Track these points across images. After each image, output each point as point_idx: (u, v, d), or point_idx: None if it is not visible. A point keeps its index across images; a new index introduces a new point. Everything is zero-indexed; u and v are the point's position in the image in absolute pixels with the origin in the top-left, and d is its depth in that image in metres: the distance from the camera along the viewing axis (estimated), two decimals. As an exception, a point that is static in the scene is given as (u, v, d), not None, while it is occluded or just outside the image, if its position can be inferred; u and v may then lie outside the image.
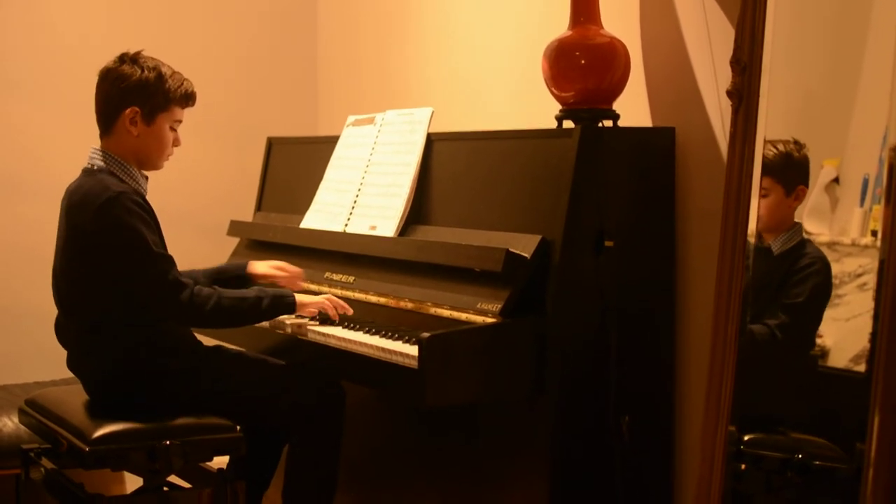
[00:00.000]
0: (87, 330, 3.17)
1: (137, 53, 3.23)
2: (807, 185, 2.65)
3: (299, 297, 3.28)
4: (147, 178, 3.27)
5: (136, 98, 3.19)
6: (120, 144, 3.21)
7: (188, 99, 3.28)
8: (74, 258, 3.15)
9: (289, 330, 3.35)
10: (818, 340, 2.61)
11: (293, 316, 3.35)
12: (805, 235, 2.65)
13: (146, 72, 3.20)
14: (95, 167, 3.20)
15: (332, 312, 3.31)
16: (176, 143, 3.29)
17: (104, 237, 3.07)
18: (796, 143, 2.67)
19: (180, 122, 3.29)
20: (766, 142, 2.68)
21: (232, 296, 3.17)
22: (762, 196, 2.70)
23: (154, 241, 3.09)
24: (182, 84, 3.25)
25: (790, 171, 2.68)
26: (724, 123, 2.97)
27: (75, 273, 3.16)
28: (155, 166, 3.28)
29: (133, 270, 3.07)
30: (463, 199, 3.28)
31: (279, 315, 3.27)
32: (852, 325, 2.48)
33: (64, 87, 4.52)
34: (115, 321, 3.13)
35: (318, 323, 3.34)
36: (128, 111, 3.19)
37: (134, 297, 3.10)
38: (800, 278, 2.66)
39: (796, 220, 2.67)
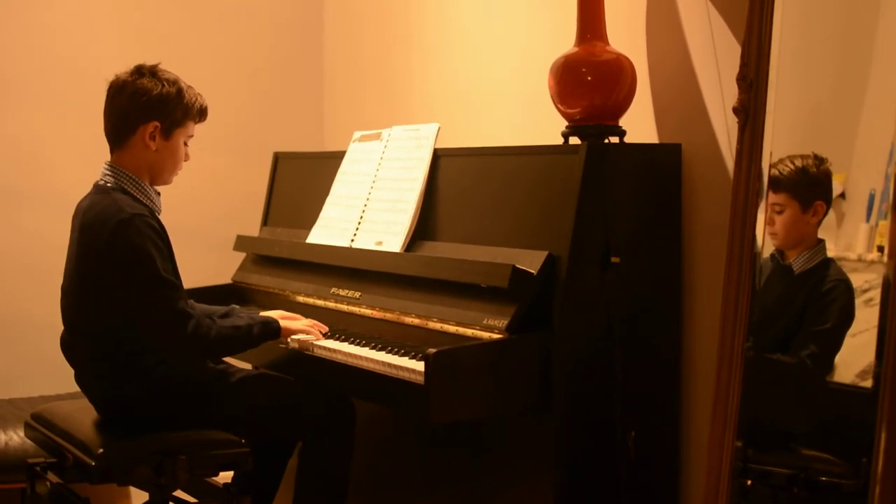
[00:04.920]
0: (95, 351, 3.16)
1: (155, 67, 3.22)
2: (826, 201, 2.62)
3: (284, 324, 3.28)
4: (159, 193, 3.27)
5: (158, 113, 3.18)
6: (134, 159, 3.20)
7: (202, 114, 3.29)
8: (85, 278, 3.14)
9: (294, 345, 3.35)
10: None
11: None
12: (830, 255, 2.62)
13: (167, 86, 3.19)
14: (109, 185, 3.18)
15: (316, 336, 3.33)
16: (186, 157, 3.29)
17: (115, 260, 3.05)
18: (816, 157, 2.64)
19: (192, 136, 3.29)
20: (786, 157, 2.68)
21: (228, 325, 3.16)
22: (777, 212, 2.70)
23: (164, 266, 3.07)
24: (197, 99, 3.25)
25: (806, 186, 2.66)
26: (731, 140, 2.98)
27: (85, 294, 3.15)
28: (166, 181, 3.28)
29: (140, 297, 3.05)
30: (469, 215, 3.28)
31: (266, 341, 3.27)
32: (858, 341, 2.49)
33: (68, 98, 4.54)
34: (123, 344, 3.12)
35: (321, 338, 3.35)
36: (149, 126, 3.18)
37: (139, 325, 3.09)
38: (825, 303, 2.63)
39: (821, 238, 2.65)
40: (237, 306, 3.54)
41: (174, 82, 3.22)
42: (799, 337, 2.66)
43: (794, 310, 2.70)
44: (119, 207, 3.09)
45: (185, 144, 3.28)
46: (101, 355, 3.15)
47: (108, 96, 3.23)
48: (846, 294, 2.55)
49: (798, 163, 2.66)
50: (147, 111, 3.18)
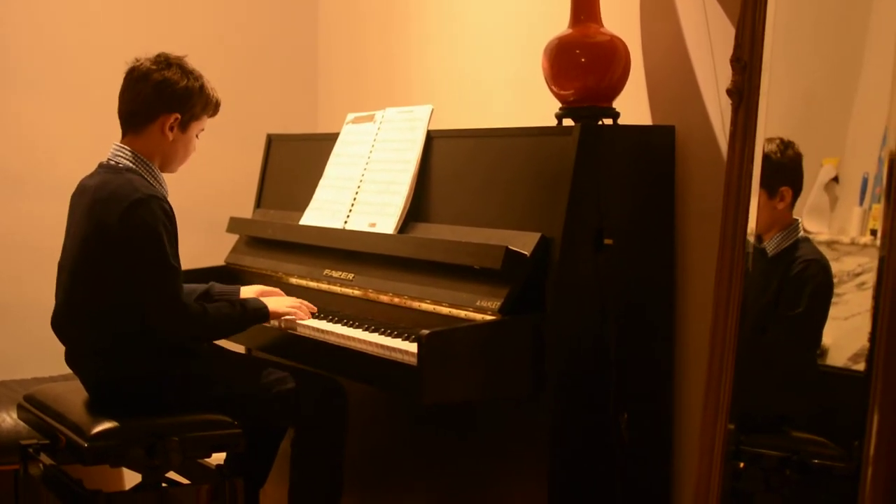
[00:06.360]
0: (89, 328, 3.16)
1: (180, 59, 3.25)
2: (793, 187, 2.64)
3: (272, 308, 3.30)
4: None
5: (181, 105, 3.21)
6: (148, 145, 3.22)
7: (216, 109, 3.33)
8: (93, 254, 3.13)
9: (275, 324, 3.35)
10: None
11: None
12: (803, 234, 2.64)
13: (191, 80, 3.23)
14: (121, 165, 3.19)
15: (302, 316, 3.35)
16: (193, 149, 3.31)
17: (126, 238, 3.06)
18: (782, 142, 2.66)
19: (203, 130, 3.31)
20: (766, 140, 2.68)
21: (222, 315, 3.19)
22: None
23: (172, 252, 3.10)
24: (213, 94, 3.28)
25: (770, 172, 2.67)
26: (724, 122, 2.97)
27: (86, 269, 3.14)
28: (173, 170, 3.31)
29: (145, 278, 3.07)
30: (462, 197, 3.28)
31: (255, 324, 3.30)
32: (851, 324, 2.49)
33: (68, 83, 4.53)
34: (120, 321, 3.12)
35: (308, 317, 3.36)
36: (170, 117, 3.20)
37: (138, 306, 3.10)
38: (795, 286, 2.66)
39: (796, 219, 2.66)
40: (217, 283, 3.54)
41: (198, 77, 3.25)
42: (774, 321, 2.69)
43: (769, 292, 2.71)
44: (134, 187, 3.11)
45: (196, 137, 3.30)
46: (95, 332, 3.15)
47: (129, 80, 3.24)
48: (818, 274, 2.57)
49: (764, 149, 2.67)
50: (170, 102, 3.20)
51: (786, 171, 2.66)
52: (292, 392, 3.23)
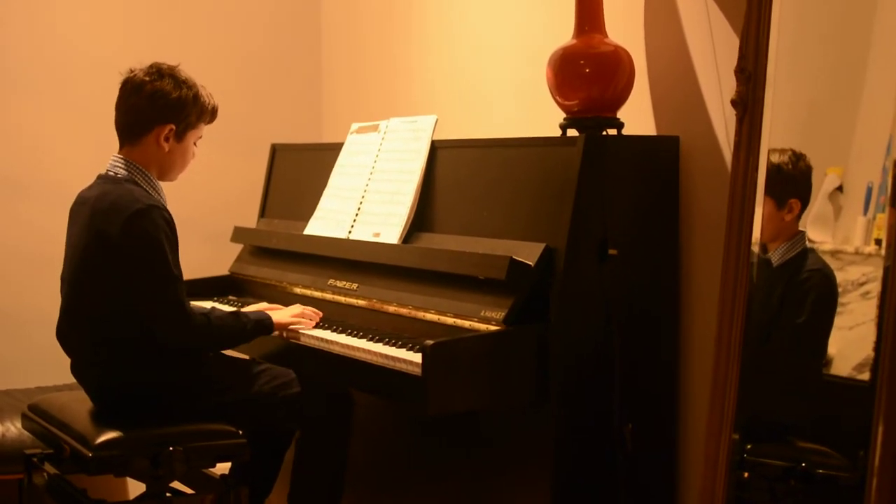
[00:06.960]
0: (93, 338, 3.16)
1: (173, 69, 3.24)
2: (801, 198, 2.64)
3: (276, 319, 3.31)
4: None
5: (175, 116, 3.21)
6: (145, 156, 3.22)
7: (213, 115, 3.31)
8: (93, 263, 3.13)
9: (279, 333, 3.35)
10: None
11: None
12: (808, 245, 2.64)
13: (185, 90, 3.21)
14: (120, 176, 3.20)
15: (308, 324, 3.35)
16: (192, 156, 3.31)
17: (130, 248, 3.06)
18: (794, 154, 2.66)
19: (201, 137, 3.31)
20: (770, 150, 2.69)
21: (222, 324, 3.20)
22: None
23: (174, 261, 3.10)
24: (210, 101, 3.27)
25: (780, 184, 2.67)
26: (729, 132, 2.98)
27: (89, 279, 3.15)
28: (172, 179, 3.31)
29: (150, 288, 3.08)
30: (467, 207, 3.28)
31: (258, 336, 3.31)
32: (855, 334, 2.49)
33: (69, 90, 4.54)
34: (121, 329, 3.12)
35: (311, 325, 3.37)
36: (165, 128, 3.20)
37: (142, 316, 3.10)
38: (798, 295, 2.66)
39: (801, 230, 2.66)
40: (217, 307, 3.52)
41: (192, 86, 3.24)
42: (778, 329, 2.69)
43: (772, 301, 2.71)
44: (135, 197, 3.11)
45: (195, 144, 3.30)
46: (100, 341, 3.15)
47: (123, 92, 3.24)
48: (822, 283, 2.57)
49: (774, 159, 2.67)
50: (164, 114, 3.20)
51: (796, 183, 2.65)
52: (298, 396, 3.24)
